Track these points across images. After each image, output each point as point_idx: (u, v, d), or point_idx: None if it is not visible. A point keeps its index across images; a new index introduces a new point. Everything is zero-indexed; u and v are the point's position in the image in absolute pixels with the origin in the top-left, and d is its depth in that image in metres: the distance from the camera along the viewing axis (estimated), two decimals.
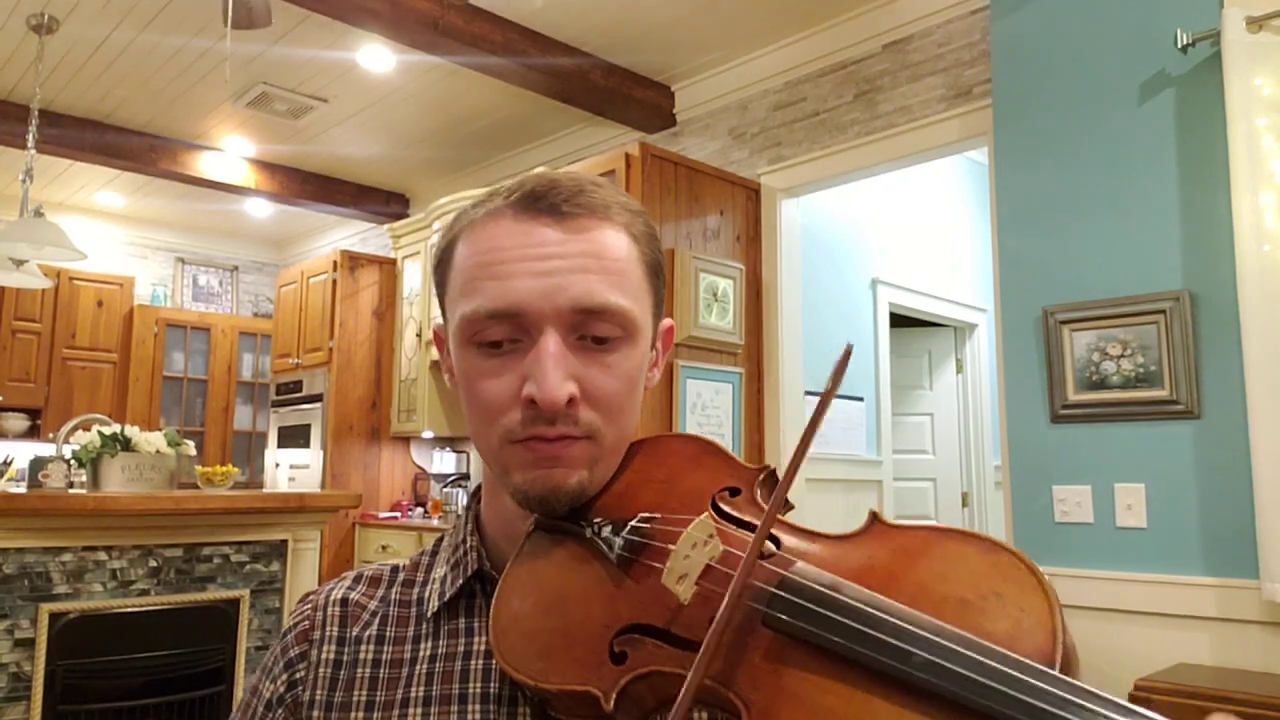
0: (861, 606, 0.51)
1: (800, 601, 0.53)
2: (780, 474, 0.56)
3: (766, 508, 0.55)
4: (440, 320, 0.73)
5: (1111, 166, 2.63)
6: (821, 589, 0.53)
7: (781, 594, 0.54)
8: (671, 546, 0.58)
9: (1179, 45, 2.47)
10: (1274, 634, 2.27)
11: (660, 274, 0.72)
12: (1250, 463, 2.28)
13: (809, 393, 4.02)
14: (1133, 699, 2.20)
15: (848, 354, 0.56)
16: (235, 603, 3.07)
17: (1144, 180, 2.57)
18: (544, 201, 0.66)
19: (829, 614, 0.52)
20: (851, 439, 4.27)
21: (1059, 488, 2.64)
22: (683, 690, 0.50)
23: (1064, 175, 2.72)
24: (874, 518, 0.58)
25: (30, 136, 3.99)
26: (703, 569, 0.57)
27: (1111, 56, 2.65)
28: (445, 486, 5.11)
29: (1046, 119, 2.77)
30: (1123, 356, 2.56)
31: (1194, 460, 2.43)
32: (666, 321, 0.75)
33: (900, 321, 4.94)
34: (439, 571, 0.73)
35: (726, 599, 0.52)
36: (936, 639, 0.48)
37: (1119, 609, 2.50)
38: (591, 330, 0.65)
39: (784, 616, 0.53)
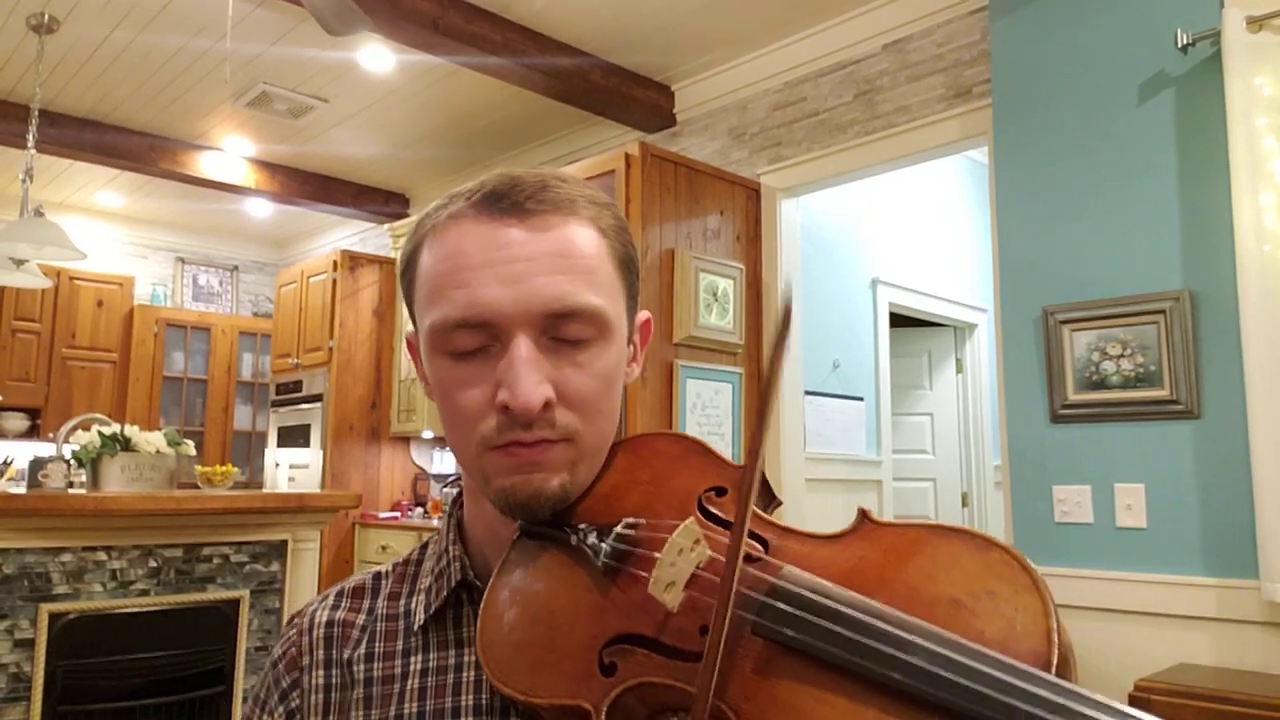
0: (854, 614, 0.50)
1: (791, 610, 0.52)
2: (753, 472, 0.54)
3: (739, 506, 0.54)
4: (412, 327, 0.71)
5: (1111, 166, 2.63)
6: (813, 596, 0.52)
7: (772, 602, 0.53)
8: (657, 555, 0.57)
9: (1179, 45, 2.47)
10: (1274, 634, 2.27)
11: (633, 267, 0.69)
12: (1250, 463, 2.28)
13: (809, 393, 4.02)
14: (1133, 700, 2.21)
15: (788, 314, 0.53)
16: (235, 603, 3.07)
17: (1144, 180, 2.57)
18: (506, 200, 0.64)
19: (822, 622, 0.51)
20: (851, 439, 4.27)
21: (1059, 488, 2.64)
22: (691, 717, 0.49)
23: (1064, 175, 2.72)
24: (863, 516, 0.57)
25: (30, 136, 3.99)
26: (691, 575, 0.56)
27: (1111, 56, 2.65)
28: (445, 486, 5.11)
29: (1046, 119, 2.77)
30: (1123, 356, 2.56)
31: (1194, 460, 2.43)
32: (643, 314, 0.73)
33: (900, 321, 4.93)
34: (425, 582, 0.72)
35: (714, 618, 0.50)
36: (931, 646, 0.47)
37: (1119, 609, 2.50)
38: (564, 331, 0.63)
39: (775, 626, 0.52)
